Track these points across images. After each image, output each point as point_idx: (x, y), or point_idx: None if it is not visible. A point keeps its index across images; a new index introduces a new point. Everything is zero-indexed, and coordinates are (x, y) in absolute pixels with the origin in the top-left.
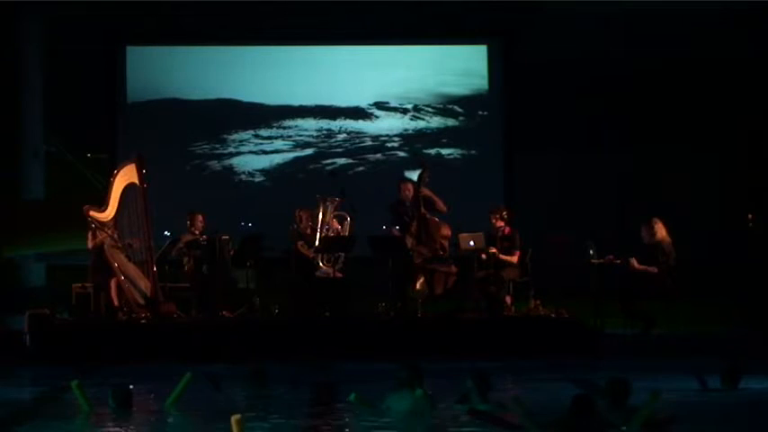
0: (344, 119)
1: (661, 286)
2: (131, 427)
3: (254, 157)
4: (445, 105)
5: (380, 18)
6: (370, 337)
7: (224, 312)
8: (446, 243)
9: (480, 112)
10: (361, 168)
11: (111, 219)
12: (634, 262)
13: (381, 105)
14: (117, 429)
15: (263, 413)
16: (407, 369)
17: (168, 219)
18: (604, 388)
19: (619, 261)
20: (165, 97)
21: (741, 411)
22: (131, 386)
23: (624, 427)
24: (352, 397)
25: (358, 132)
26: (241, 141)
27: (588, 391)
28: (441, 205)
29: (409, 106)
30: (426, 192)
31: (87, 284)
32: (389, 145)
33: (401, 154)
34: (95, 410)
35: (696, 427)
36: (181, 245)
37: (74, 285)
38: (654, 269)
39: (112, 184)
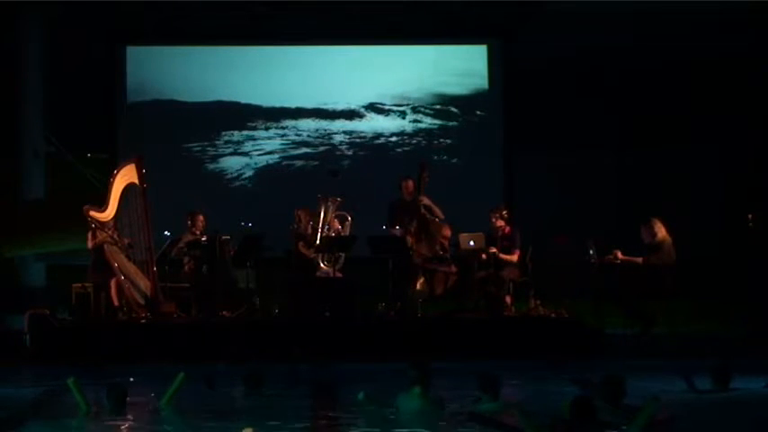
0: (344, 119)
1: (661, 286)
2: (126, 426)
3: (254, 157)
4: (445, 105)
5: (380, 18)
6: (370, 337)
7: (224, 312)
8: (446, 243)
9: (480, 113)
10: (360, 168)
11: (111, 219)
12: (618, 253)
13: (381, 105)
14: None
15: (257, 414)
16: (416, 368)
17: (168, 219)
18: (599, 386)
19: (611, 256)
20: (165, 97)
21: (738, 411)
22: (126, 384)
23: (624, 428)
24: (360, 396)
25: (358, 132)
26: (241, 141)
27: (587, 390)
28: (439, 213)
29: (409, 106)
30: (426, 201)
31: (87, 284)
32: (389, 145)
33: (401, 154)
34: (93, 409)
35: (694, 428)
36: (181, 245)
37: (74, 285)
38: (639, 260)
39: (112, 184)
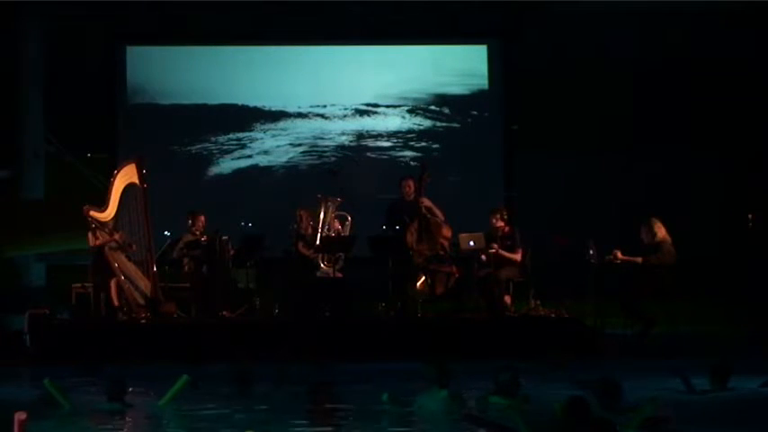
0: (344, 119)
1: (661, 286)
2: (125, 426)
3: (254, 156)
4: (445, 106)
5: (380, 18)
6: (370, 337)
7: (224, 312)
8: (447, 243)
9: (480, 113)
10: (360, 168)
11: (111, 219)
12: (618, 253)
13: (381, 105)
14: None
15: (252, 414)
16: (436, 368)
17: (168, 219)
18: (594, 388)
19: (611, 256)
20: (165, 97)
21: (737, 411)
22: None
23: (620, 428)
24: (384, 397)
25: (358, 132)
26: (240, 141)
27: (585, 391)
28: (439, 215)
29: (409, 106)
30: (427, 202)
31: (87, 284)
32: (389, 145)
33: (401, 154)
34: (73, 406)
35: (692, 428)
36: (181, 245)
37: (74, 285)
38: (639, 260)
39: (112, 184)
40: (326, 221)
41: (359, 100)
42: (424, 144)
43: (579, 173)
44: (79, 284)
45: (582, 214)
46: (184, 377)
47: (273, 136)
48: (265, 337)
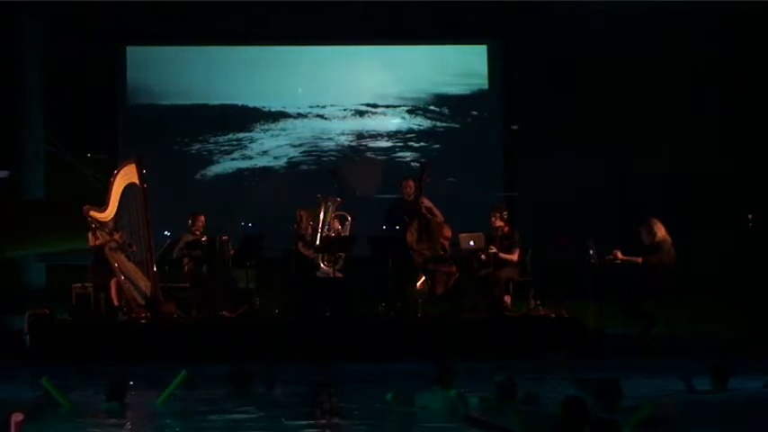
0: (344, 119)
1: (660, 286)
2: (125, 426)
3: (254, 157)
4: (445, 106)
5: (380, 18)
6: (370, 337)
7: (224, 312)
8: (447, 243)
9: (480, 113)
10: (360, 168)
11: (111, 219)
12: (618, 253)
13: (381, 106)
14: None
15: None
16: (440, 368)
17: (168, 219)
18: (594, 388)
19: (611, 256)
20: (166, 97)
21: (736, 411)
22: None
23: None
24: (389, 397)
25: (358, 133)
26: (240, 141)
27: (584, 391)
28: (439, 215)
29: (409, 106)
30: (427, 203)
31: (87, 284)
32: (389, 145)
33: (401, 154)
34: (73, 406)
35: (692, 428)
36: (181, 245)
37: (74, 285)
38: (638, 260)
39: (112, 184)
40: (326, 221)
41: (358, 100)
42: (423, 144)
43: (579, 173)
44: (79, 284)
45: (582, 214)
46: (182, 373)
47: (273, 136)
48: (265, 337)
